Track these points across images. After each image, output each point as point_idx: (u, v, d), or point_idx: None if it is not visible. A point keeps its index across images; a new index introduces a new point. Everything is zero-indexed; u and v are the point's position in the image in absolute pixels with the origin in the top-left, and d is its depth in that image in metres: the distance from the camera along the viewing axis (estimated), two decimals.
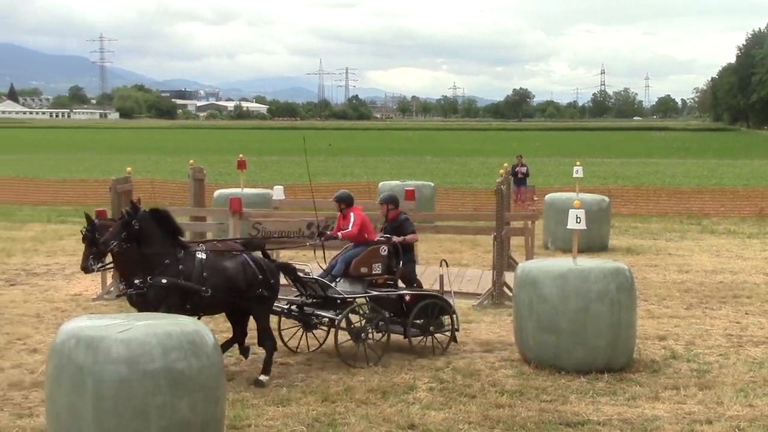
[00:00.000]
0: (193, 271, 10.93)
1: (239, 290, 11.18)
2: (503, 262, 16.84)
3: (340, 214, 13.30)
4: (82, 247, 12.29)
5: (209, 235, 21.03)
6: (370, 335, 12.30)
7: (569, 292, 11.71)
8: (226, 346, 11.57)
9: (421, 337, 12.81)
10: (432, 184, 29.39)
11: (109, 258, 11.79)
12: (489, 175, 46.90)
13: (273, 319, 12.15)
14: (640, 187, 37.35)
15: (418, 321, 12.70)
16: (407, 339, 12.73)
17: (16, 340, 13.45)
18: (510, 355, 12.63)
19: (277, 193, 22.17)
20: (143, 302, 10.82)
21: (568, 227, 12.35)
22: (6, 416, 9.98)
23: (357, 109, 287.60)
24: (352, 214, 13.04)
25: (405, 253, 13.26)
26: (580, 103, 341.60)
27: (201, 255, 11.10)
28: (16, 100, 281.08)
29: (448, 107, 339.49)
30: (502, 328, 14.28)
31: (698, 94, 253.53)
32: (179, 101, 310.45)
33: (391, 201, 13.75)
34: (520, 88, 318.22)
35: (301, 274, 12.45)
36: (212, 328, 9.65)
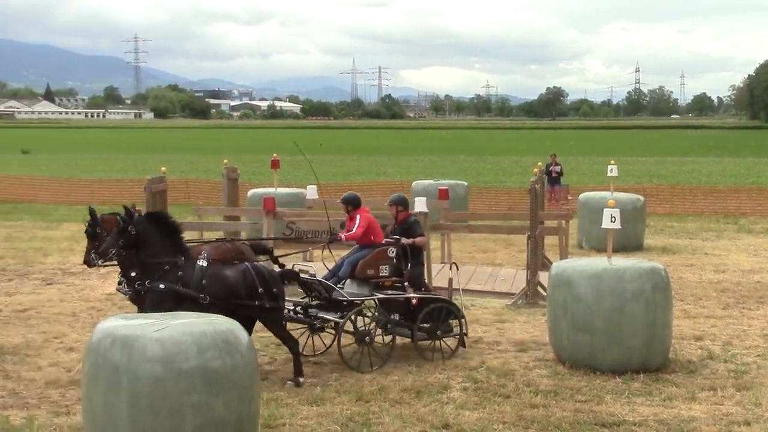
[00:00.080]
0: (192, 278, 10.81)
1: (239, 299, 10.95)
2: (537, 261, 16.76)
3: (347, 215, 13.15)
4: None
5: (243, 235, 21.18)
6: (375, 338, 12.12)
7: (604, 292, 11.64)
8: None
9: (429, 341, 12.55)
10: (465, 184, 29.34)
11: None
12: (523, 174, 46.74)
13: None
14: (675, 186, 37.04)
15: (425, 325, 12.44)
16: (414, 343, 12.48)
17: (53, 338, 13.58)
18: (544, 355, 12.57)
19: (311, 192, 22.21)
20: (141, 303, 10.86)
21: (602, 226, 12.25)
22: (44, 414, 10.07)
23: (390, 108, 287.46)
24: (358, 216, 12.86)
25: (414, 256, 12.92)
26: (615, 102, 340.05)
27: (202, 262, 10.97)
28: (52, 101, 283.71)
29: (482, 106, 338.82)
30: (537, 328, 14.22)
31: (735, 91, 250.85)
32: (213, 101, 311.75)
33: (400, 202, 13.44)
34: (554, 87, 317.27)
35: (305, 276, 12.33)
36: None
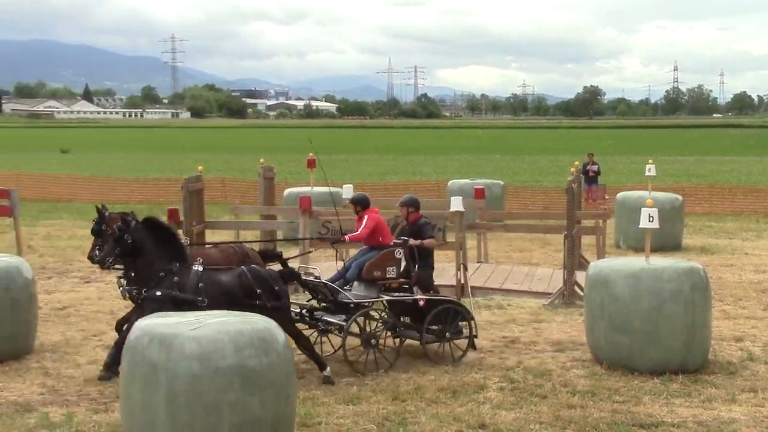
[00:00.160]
0: (188, 282, 10.85)
1: (237, 299, 10.89)
2: (574, 261, 16.68)
3: (357, 216, 13.02)
4: None
5: (279, 234, 21.27)
6: (381, 341, 11.99)
7: (642, 292, 11.56)
8: None
9: (438, 344, 12.39)
10: (502, 183, 29.24)
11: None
12: (559, 174, 46.54)
13: None
14: (714, 186, 36.68)
15: (433, 327, 12.31)
16: (422, 345, 12.33)
17: (92, 336, 13.72)
18: (581, 355, 12.49)
19: (347, 191, 22.21)
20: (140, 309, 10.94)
21: (640, 226, 12.16)
22: (83, 411, 10.16)
23: (426, 108, 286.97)
24: (366, 216, 12.75)
25: (423, 258, 12.81)
26: (653, 101, 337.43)
27: (197, 267, 11.01)
28: (90, 101, 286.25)
29: (518, 105, 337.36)
30: (574, 328, 14.14)
31: None
32: (249, 100, 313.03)
33: (411, 203, 13.29)
34: (591, 86, 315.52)
35: (310, 278, 12.27)
36: None
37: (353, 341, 11.97)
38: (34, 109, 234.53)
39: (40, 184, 38.23)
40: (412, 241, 12.72)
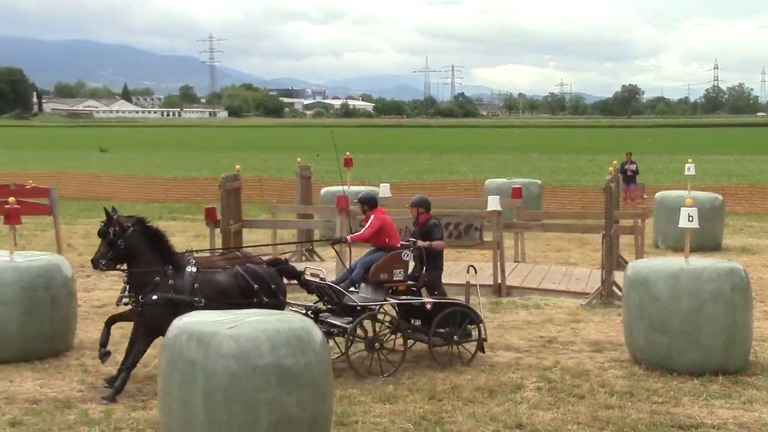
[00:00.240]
0: (183, 284, 10.89)
1: (233, 298, 10.92)
2: (612, 261, 16.56)
3: (364, 216, 12.83)
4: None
5: (316, 233, 21.32)
6: (388, 344, 11.83)
7: (681, 292, 11.45)
8: None
9: (446, 347, 12.19)
10: (539, 182, 29.12)
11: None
12: (598, 173, 46.25)
13: None
14: (755, 185, 36.27)
15: (441, 330, 12.11)
16: (430, 348, 12.15)
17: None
18: (620, 356, 12.40)
19: (384, 190, 22.23)
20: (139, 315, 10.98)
21: (679, 226, 12.05)
22: (121, 408, 10.24)
23: (463, 107, 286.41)
24: (372, 216, 12.54)
25: (431, 260, 12.54)
26: (692, 100, 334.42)
27: (191, 269, 11.02)
28: (129, 100, 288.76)
29: (556, 104, 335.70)
30: (612, 328, 14.04)
31: None
32: (286, 100, 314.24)
33: (421, 204, 12.97)
34: (630, 85, 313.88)
35: (316, 279, 12.17)
36: None
37: (359, 344, 11.87)
38: (74, 108, 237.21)
39: (80, 183, 38.60)
40: (420, 243, 12.51)
